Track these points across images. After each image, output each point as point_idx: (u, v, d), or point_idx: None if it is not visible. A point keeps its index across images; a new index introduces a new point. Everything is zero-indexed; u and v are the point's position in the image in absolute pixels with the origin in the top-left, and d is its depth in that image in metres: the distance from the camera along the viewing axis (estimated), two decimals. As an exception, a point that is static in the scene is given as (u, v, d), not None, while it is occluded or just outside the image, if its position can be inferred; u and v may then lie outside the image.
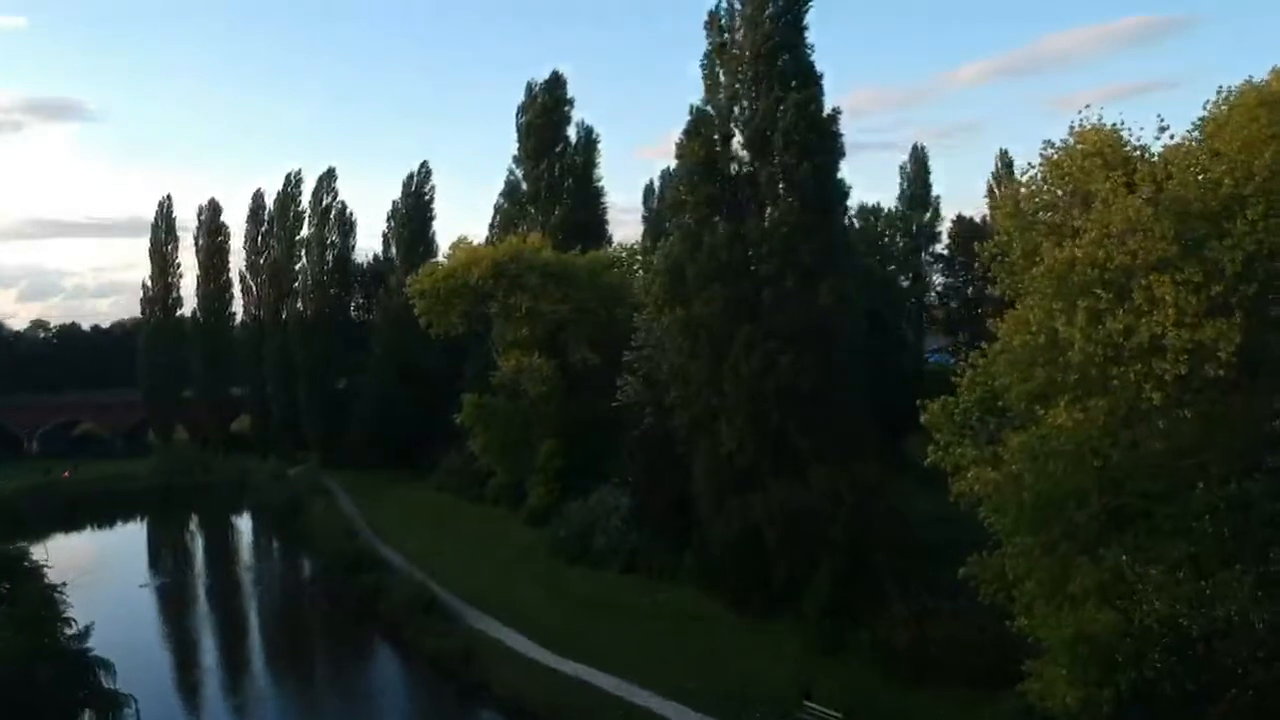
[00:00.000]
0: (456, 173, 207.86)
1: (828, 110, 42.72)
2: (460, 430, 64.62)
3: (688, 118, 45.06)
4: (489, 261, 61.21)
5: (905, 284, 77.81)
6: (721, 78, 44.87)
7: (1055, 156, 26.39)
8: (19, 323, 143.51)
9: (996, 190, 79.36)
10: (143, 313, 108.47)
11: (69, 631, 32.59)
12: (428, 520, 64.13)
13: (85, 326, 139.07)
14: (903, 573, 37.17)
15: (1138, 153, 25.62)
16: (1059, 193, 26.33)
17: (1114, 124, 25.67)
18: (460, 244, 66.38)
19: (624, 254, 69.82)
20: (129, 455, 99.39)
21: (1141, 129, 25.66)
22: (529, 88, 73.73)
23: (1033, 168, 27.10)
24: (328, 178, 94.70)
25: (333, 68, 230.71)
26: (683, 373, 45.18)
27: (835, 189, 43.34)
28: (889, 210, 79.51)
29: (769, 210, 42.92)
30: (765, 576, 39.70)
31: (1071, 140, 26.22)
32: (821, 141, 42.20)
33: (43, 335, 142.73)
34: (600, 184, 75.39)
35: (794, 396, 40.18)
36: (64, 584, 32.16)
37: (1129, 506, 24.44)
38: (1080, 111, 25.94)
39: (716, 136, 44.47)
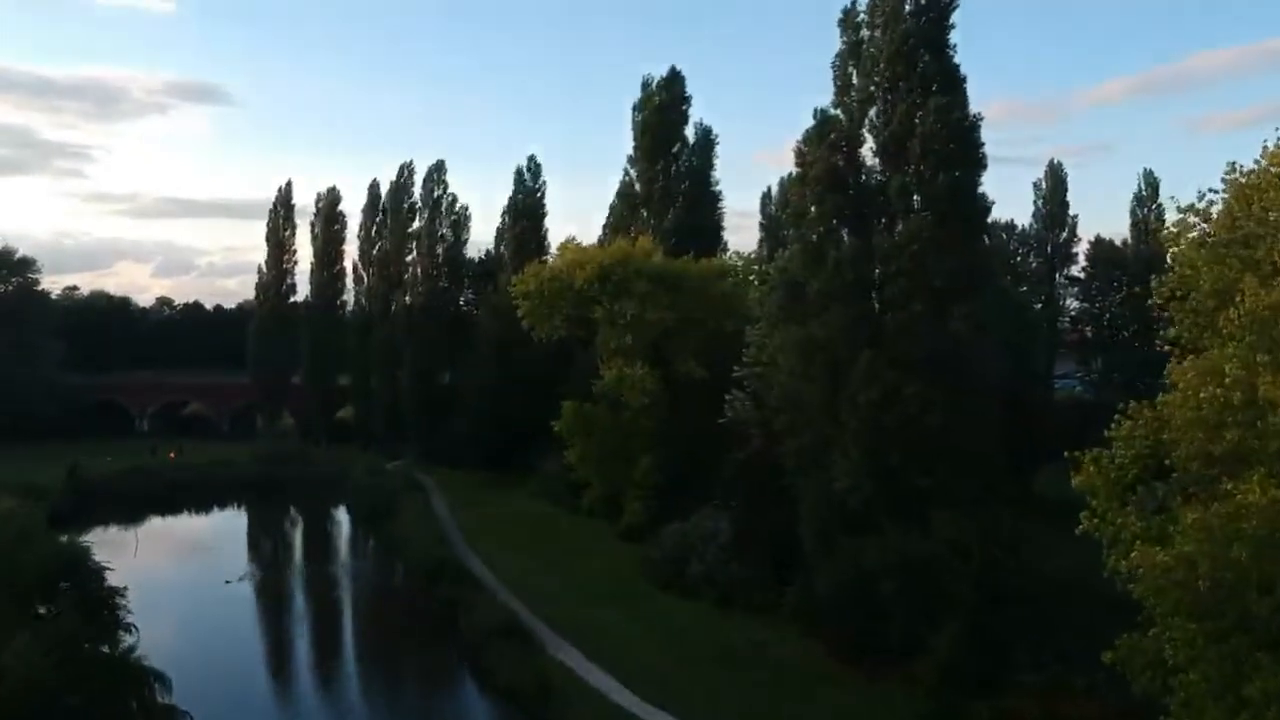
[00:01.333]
0: (577, 171, 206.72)
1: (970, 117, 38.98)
2: (559, 437, 62.25)
3: (812, 121, 41.74)
4: (594, 265, 58.56)
5: (1038, 307, 72.75)
6: (854, 79, 41.37)
7: (1250, 180, 22.31)
8: (147, 299, 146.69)
9: (1139, 212, 73.98)
10: (256, 297, 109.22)
11: (127, 640, 31.08)
12: (518, 529, 61.75)
13: (209, 305, 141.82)
14: (1033, 636, 33.21)
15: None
16: (1255, 223, 22.23)
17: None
18: (568, 245, 63.94)
19: (739, 262, 66.32)
20: (235, 438, 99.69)
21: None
22: (645, 84, 70.96)
23: (1214, 192, 23.09)
24: (437, 170, 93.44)
25: (455, 61, 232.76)
26: (795, 397, 41.75)
27: (975, 204, 39.39)
28: (1022, 228, 74.67)
29: (899, 225, 39.24)
30: (876, 629, 35.96)
31: (1264, 162, 22.20)
32: (963, 151, 38.38)
33: (167, 312, 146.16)
34: (717, 188, 72.35)
35: (917, 432, 36.46)
36: (125, 588, 30.54)
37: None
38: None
39: (845, 143, 40.98)
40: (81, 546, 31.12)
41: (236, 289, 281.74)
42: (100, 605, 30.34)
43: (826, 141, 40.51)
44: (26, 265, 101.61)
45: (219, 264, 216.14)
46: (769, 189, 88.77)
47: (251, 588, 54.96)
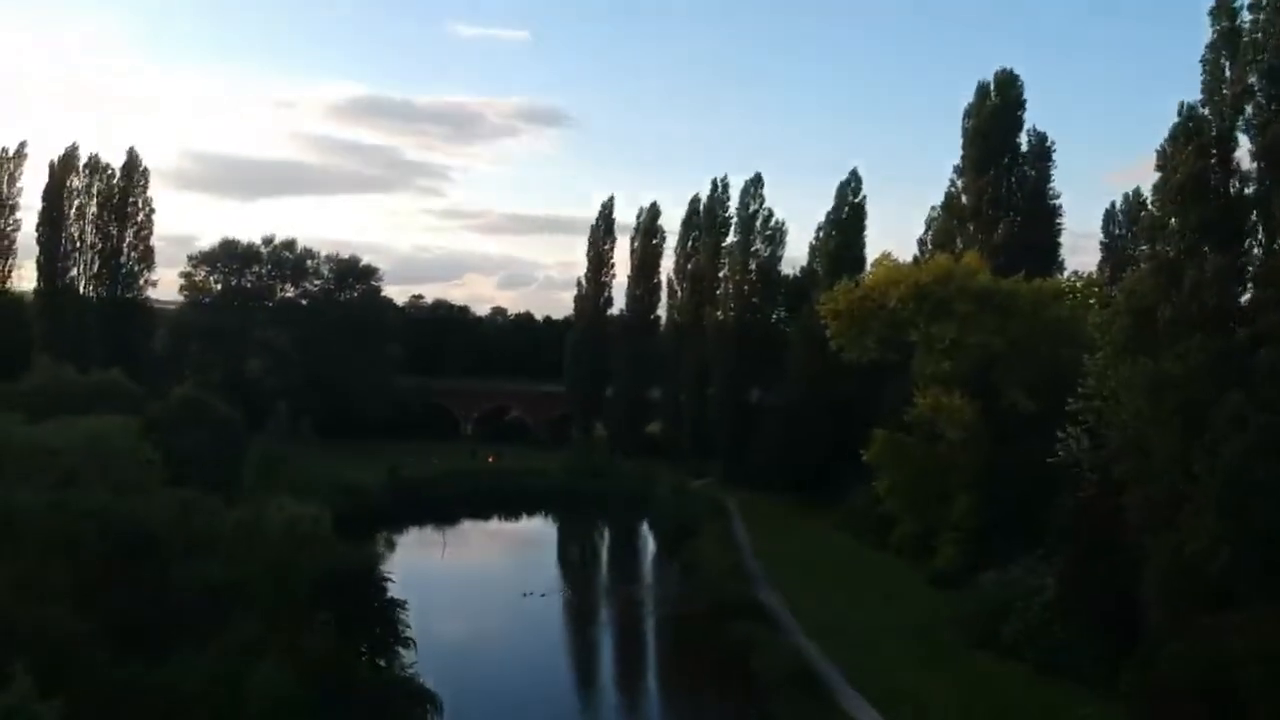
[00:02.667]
0: (891, 185, 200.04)
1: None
2: (868, 467, 58.28)
3: (1175, 119, 35.72)
4: (910, 283, 54.08)
5: None
6: (1227, 71, 35.05)
7: None
8: (485, 309, 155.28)
9: None
10: (575, 309, 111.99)
11: (403, 656, 30.75)
12: (819, 563, 58.37)
13: (541, 317, 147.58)
14: None
15: None
16: None
17: None
18: (883, 261, 59.63)
19: (1078, 284, 59.29)
20: (550, 446, 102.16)
21: None
22: (980, 89, 65.42)
23: None
24: (754, 184, 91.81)
25: (777, 78, 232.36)
26: (1141, 440, 35.81)
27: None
28: None
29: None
30: (1235, 727, 29.72)
31: None
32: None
33: (500, 322, 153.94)
34: (1056, 201, 65.54)
35: (1296, 492, 29.90)
36: (405, 602, 30.24)
37: None
38: None
39: (1214, 145, 34.77)
40: (365, 555, 31.18)
41: (569, 302, 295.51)
42: (378, 618, 30.27)
43: (1193, 143, 34.47)
44: (370, 274, 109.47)
45: (556, 278, 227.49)
46: (1112, 204, 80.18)
47: (547, 604, 54.15)
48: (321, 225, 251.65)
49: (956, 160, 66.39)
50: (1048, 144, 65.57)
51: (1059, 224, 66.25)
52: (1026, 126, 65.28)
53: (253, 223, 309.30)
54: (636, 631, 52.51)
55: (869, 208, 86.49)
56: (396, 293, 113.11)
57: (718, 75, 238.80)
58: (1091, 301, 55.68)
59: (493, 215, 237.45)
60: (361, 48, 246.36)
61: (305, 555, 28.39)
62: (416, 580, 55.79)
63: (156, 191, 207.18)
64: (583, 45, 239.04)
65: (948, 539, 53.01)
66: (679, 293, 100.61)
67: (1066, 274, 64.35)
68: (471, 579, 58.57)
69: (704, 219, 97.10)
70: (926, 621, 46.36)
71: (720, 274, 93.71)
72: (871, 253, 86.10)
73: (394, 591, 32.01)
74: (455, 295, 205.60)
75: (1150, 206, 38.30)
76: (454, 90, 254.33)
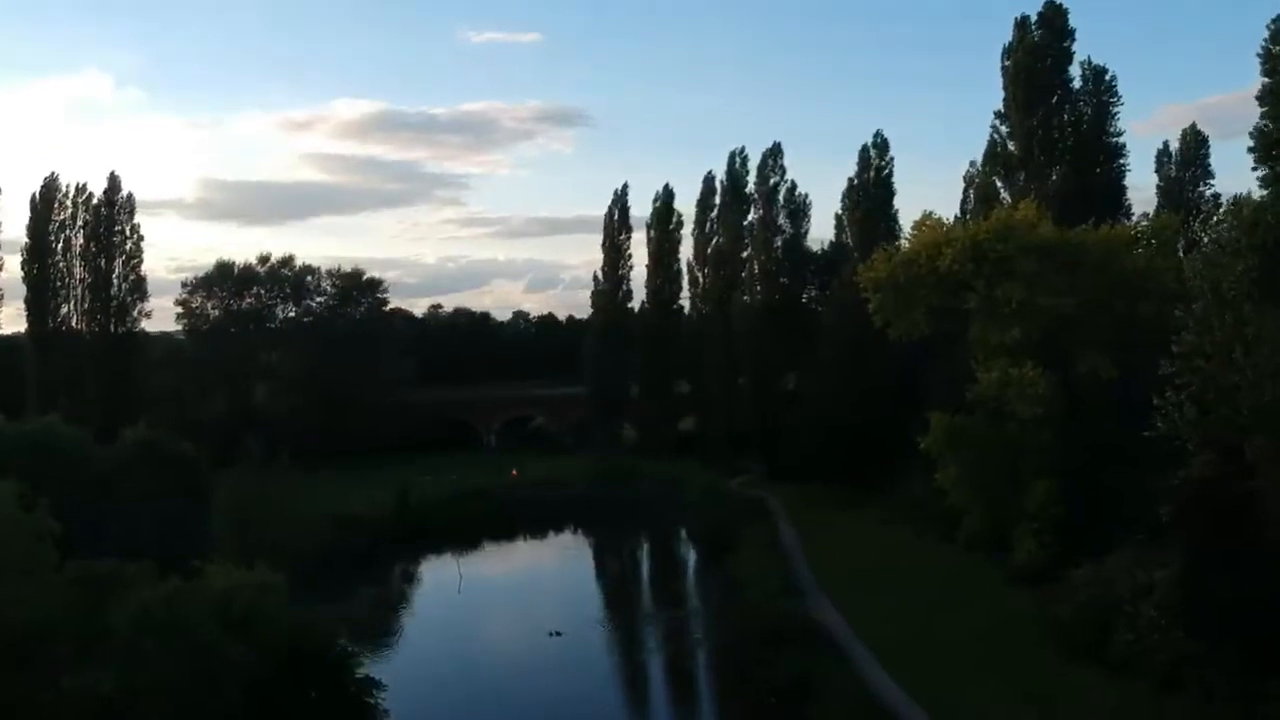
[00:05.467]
0: (908, 153, 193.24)
1: None
2: (920, 451, 51.62)
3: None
4: (966, 240, 47.26)
5: None
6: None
7: None
8: (506, 314, 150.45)
9: None
10: (593, 305, 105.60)
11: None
12: (879, 564, 51.74)
13: (572, 317, 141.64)
14: None
15: None
16: None
17: None
18: (926, 221, 52.63)
19: (1150, 227, 51.94)
20: (576, 451, 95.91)
21: None
22: (1020, 22, 58.35)
23: None
24: (772, 155, 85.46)
25: (790, 48, 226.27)
26: (1274, 408, 29.08)
27: None
28: None
29: None
30: None
31: None
32: None
33: (522, 326, 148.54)
34: (1119, 139, 58.42)
35: None
36: (379, 684, 24.19)
37: None
38: None
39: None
40: (320, 630, 24.86)
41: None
42: (346, 702, 24.20)
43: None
44: (375, 286, 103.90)
45: (581, 278, 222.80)
46: (1165, 144, 72.58)
47: (576, 644, 46.56)
48: (347, 244, 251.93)
49: (999, 106, 59.20)
50: (1106, 77, 58.49)
51: (1122, 165, 59.19)
52: (1077, 59, 58.24)
53: (278, 247, 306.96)
54: (679, 671, 45.57)
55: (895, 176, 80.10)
56: (422, 304, 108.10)
57: (730, 55, 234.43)
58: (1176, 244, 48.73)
59: (515, 220, 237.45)
60: (372, 64, 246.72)
61: (245, 642, 22.33)
62: (427, 626, 50.25)
63: (180, 224, 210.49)
64: (596, 41, 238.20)
65: (1026, 530, 46.26)
66: (701, 279, 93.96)
67: (1135, 219, 57.01)
68: (491, 618, 52.14)
69: (723, 196, 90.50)
70: (1014, 631, 39.79)
71: (744, 254, 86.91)
72: (903, 222, 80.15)
73: (392, 651, 26.21)
74: (483, 303, 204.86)
75: (1262, 121, 31.45)
76: (468, 98, 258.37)
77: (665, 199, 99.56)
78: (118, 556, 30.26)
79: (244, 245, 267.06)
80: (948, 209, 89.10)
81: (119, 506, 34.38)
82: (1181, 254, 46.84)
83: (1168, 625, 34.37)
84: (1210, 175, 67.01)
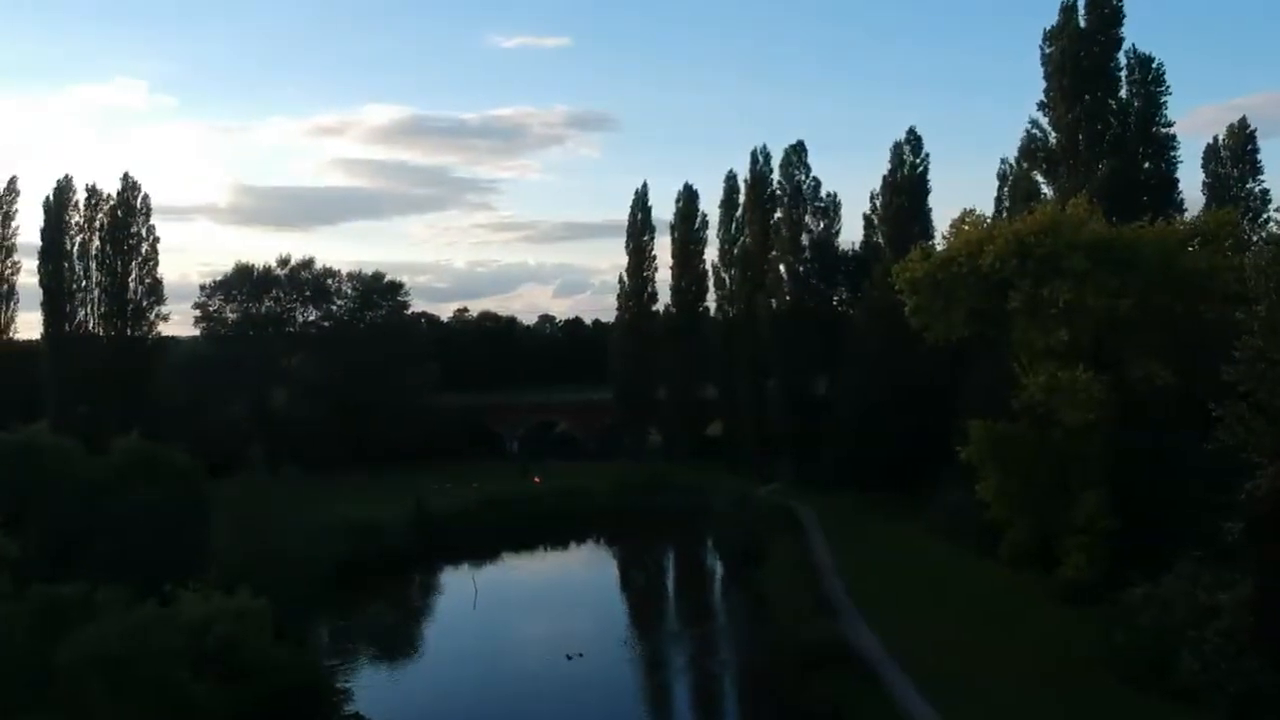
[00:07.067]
0: (935, 151, 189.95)
1: None
2: (959, 460, 48.96)
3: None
4: (1010, 237, 44.45)
5: None
6: None
7: None
8: (532, 319, 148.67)
9: None
10: (619, 308, 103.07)
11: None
12: (917, 581, 49.00)
13: (600, 322, 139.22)
14: None
15: None
16: None
17: None
18: (966, 219, 49.88)
19: (1207, 223, 48.77)
20: (601, 457, 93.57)
21: None
22: (1066, 7, 55.50)
23: None
24: (795, 152, 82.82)
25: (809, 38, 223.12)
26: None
27: None
28: None
29: None
30: None
31: None
32: None
33: (548, 330, 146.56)
34: (1170, 130, 55.34)
35: None
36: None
37: None
38: None
39: None
40: (305, 662, 22.47)
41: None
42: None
43: None
44: (396, 289, 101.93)
45: (611, 282, 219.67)
46: (1215, 139, 69.40)
47: (595, 667, 43.38)
48: (377, 249, 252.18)
49: (1041, 98, 56.26)
50: (1154, 66, 55.34)
51: (1174, 157, 56.13)
52: (1124, 48, 55.30)
53: (310, 252, 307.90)
54: (703, 699, 42.94)
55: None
56: (452, 310, 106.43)
57: (751, 54, 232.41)
58: (1231, 243, 45.68)
59: (545, 225, 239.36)
60: (401, 69, 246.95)
61: (220, 678, 20.05)
62: (438, 645, 47.79)
63: (212, 229, 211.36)
64: (623, 42, 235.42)
65: (1075, 544, 43.46)
66: (727, 281, 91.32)
67: (1188, 216, 53.89)
68: (506, 637, 49.44)
69: (746, 195, 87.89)
70: (1065, 655, 37.03)
71: (771, 254, 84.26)
72: (936, 222, 77.49)
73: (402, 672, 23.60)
74: (513, 308, 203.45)
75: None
76: (497, 103, 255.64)
77: (688, 199, 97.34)
78: (106, 574, 28.23)
79: (276, 250, 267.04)
80: (982, 206, 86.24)
81: (109, 520, 32.21)
82: (1231, 253, 43.79)
83: (1237, 654, 31.63)
84: (1259, 171, 63.89)
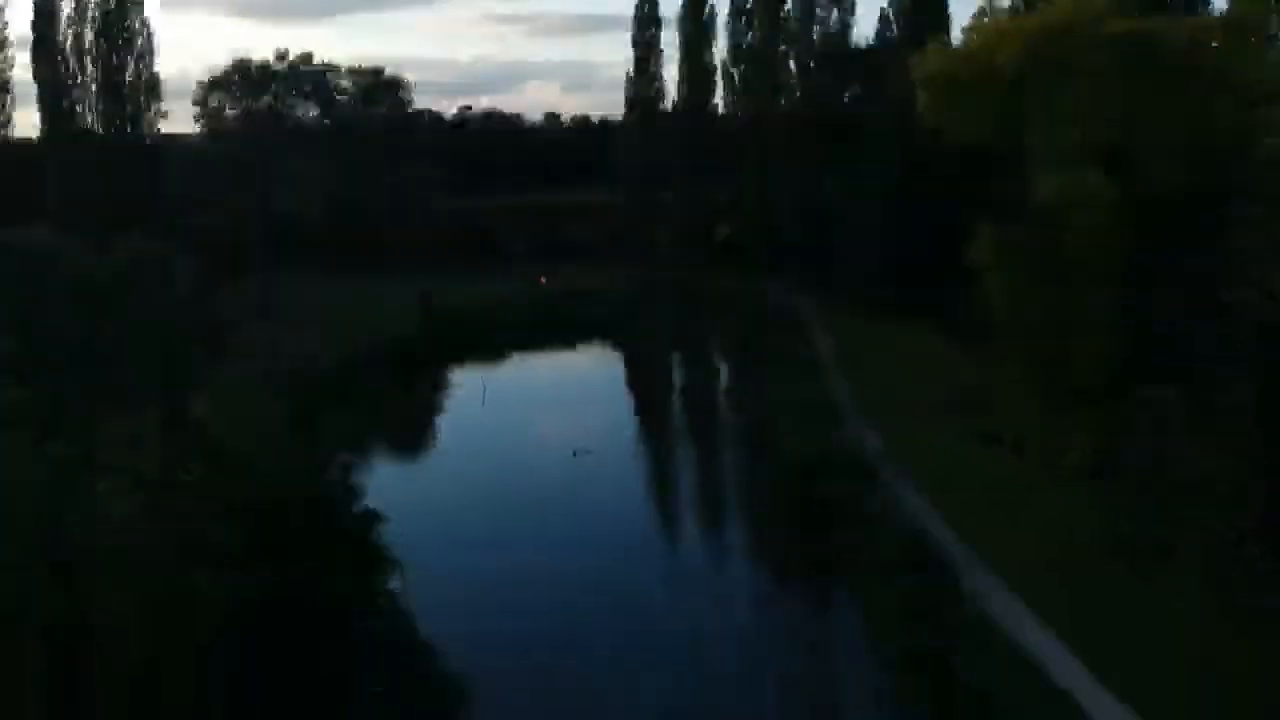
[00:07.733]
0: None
1: None
2: (973, 269, 48.46)
3: None
4: (1029, 32, 42.55)
5: None
6: None
7: None
8: (536, 115, 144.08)
9: None
10: (626, 106, 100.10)
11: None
12: (919, 374, 49.59)
13: (594, 119, 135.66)
14: None
15: None
16: None
17: None
18: (986, 13, 47.64)
19: (1237, 17, 46.27)
20: (609, 260, 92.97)
21: None
22: None
23: None
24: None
25: None
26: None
27: None
28: None
29: None
30: None
31: None
32: None
33: (554, 129, 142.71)
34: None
35: None
36: (378, 515, 22.56)
37: None
38: None
39: None
40: (313, 464, 22.94)
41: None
42: (347, 540, 22.54)
43: None
44: (398, 86, 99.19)
45: (619, 79, 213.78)
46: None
47: (599, 465, 44.47)
48: (381, 42, 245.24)
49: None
50: None
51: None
52: None
53: (313, 45, 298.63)
54: (700, 498, 44.15)
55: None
56: (450, 106, 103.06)
57: None
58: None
59: (551, 17, 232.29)
60: None
61: (249, 467, 20.41)
62: (448, 446, 48.76)
63: (217, 20, 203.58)
64: None
65: (1084, 344, 43.40)
66: (735, 78, 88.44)
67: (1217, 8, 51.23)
68: (514, 434, 50.55)
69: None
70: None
71: (780, 49, 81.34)
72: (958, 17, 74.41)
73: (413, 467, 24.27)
74: (517, 105, 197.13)
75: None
76: None
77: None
78: (110, 379, 28.70)
79: (280, 44, 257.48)
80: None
81: (111, 325, 32.23)
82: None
83: (1238, 541, 29.70)
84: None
